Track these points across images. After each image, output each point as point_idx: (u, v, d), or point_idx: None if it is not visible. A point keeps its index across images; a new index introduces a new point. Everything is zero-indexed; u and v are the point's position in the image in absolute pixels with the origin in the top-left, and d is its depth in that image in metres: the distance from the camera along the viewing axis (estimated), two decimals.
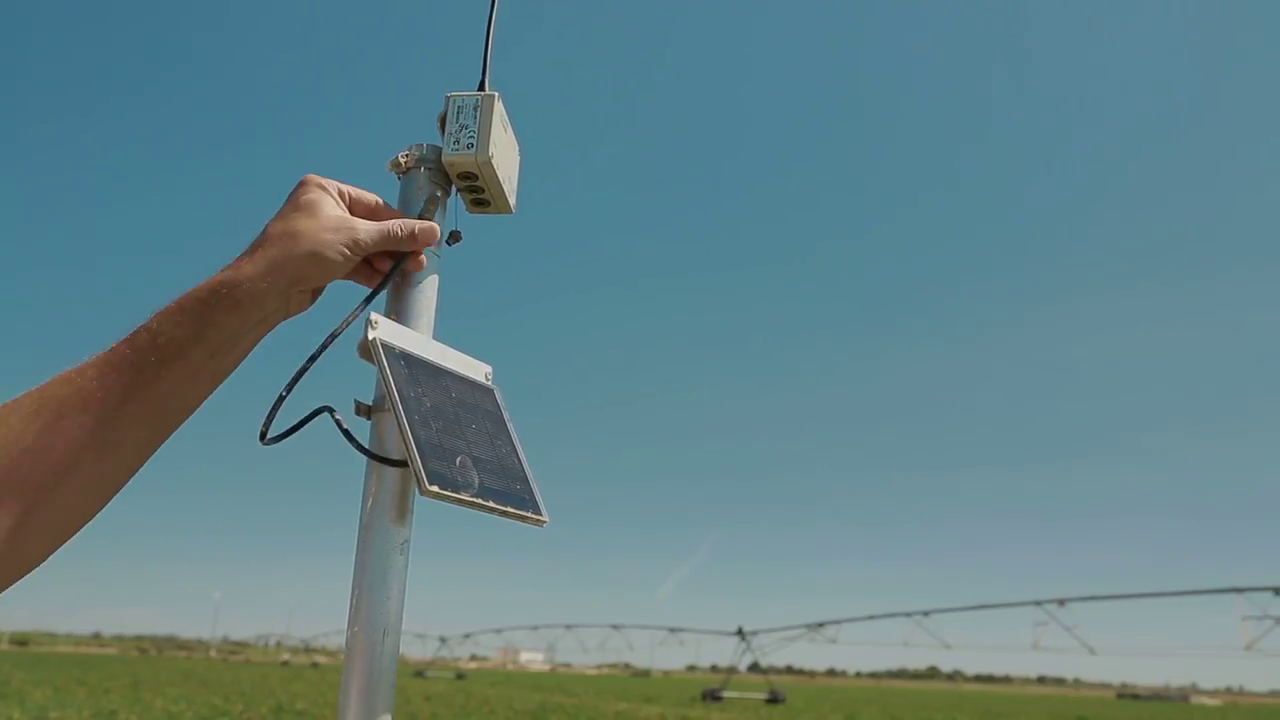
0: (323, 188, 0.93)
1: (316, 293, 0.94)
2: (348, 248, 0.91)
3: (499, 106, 1.01)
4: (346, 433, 0.90)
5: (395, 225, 0.95)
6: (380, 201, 0.97)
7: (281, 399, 0.88)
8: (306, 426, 0.90)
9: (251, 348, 0.88)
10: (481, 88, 1.03)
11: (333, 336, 0.92)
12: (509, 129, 1.05)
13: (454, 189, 1.03)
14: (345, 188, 0.95)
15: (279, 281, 0.87)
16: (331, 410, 0.90)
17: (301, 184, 0.93)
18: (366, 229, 0.93)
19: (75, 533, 0.75)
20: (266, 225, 0.90)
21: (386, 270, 0.97)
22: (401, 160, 1.00)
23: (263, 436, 0.87)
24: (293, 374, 0.89)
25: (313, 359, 0.90)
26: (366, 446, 0.91)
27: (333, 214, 0.92)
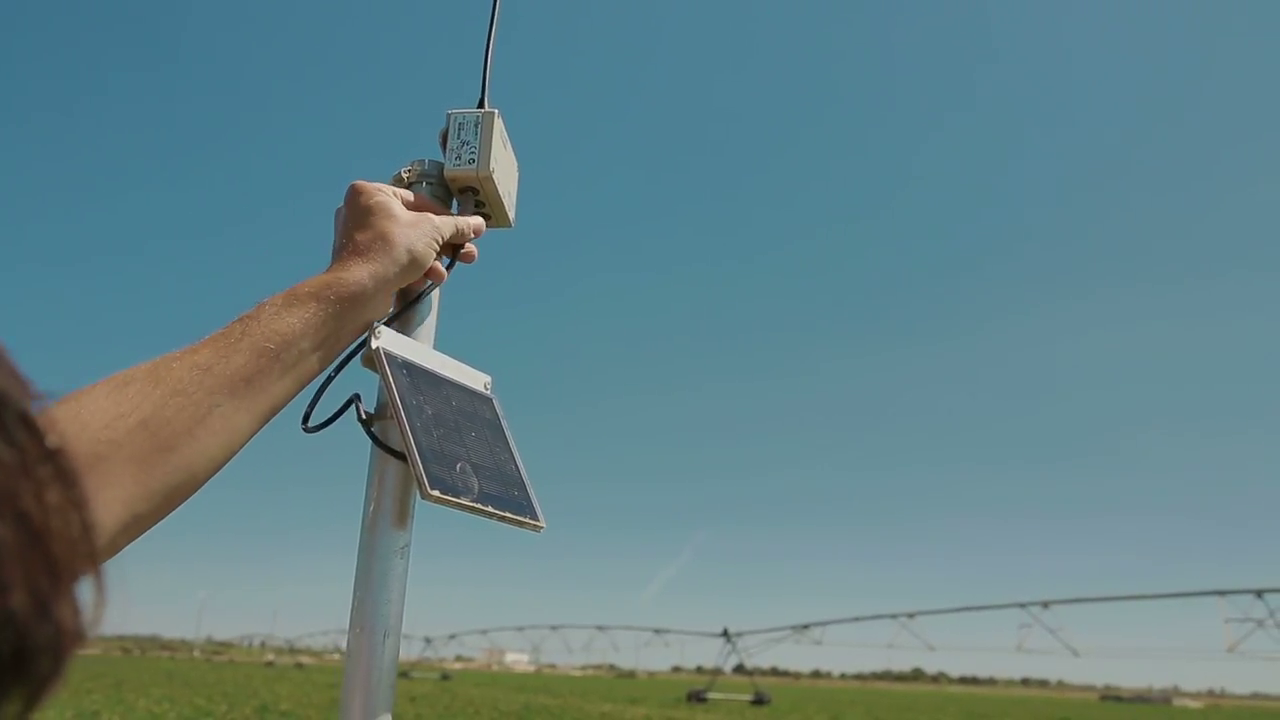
0: (381, 190, 0.96)
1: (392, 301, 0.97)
2: (436, 240, 0.95)
3: (499, 123, 1.04)
4: (364, 422, 0.94)
5: (462, 219, 1.00)
6: (419, 197, 1.01)
7: (330, 379, 0.91)
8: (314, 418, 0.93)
9: (340, 352, 0.90)
10: (481, 105, 1.06)
11: (394, 317, 0.97)
12: (508, 145, 1.08)
13: (455, 203, 1.06)
14: (390, 188, 0.98)
15: (382, 285, 0.90)
16: (359, 398, 0.93)
17: (358, 190, 0.95)
18: (441, 221, 0.97)
19: (177, 507, 0.77)
20: (349, 234, 0.92)
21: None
22: (404, 175, 1.03)
23: (305, 420, 0.91)
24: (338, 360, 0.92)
25: (363, 343, 0.93)
26: (370, 455, 0.95)
27: (406, 212, 0.95)
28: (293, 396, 0.85)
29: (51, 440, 0.29)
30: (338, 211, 0.96)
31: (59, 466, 0.29)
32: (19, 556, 0.26)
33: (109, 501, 0.68)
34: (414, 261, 0.92)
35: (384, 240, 0.91)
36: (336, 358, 0.89)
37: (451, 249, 1.02)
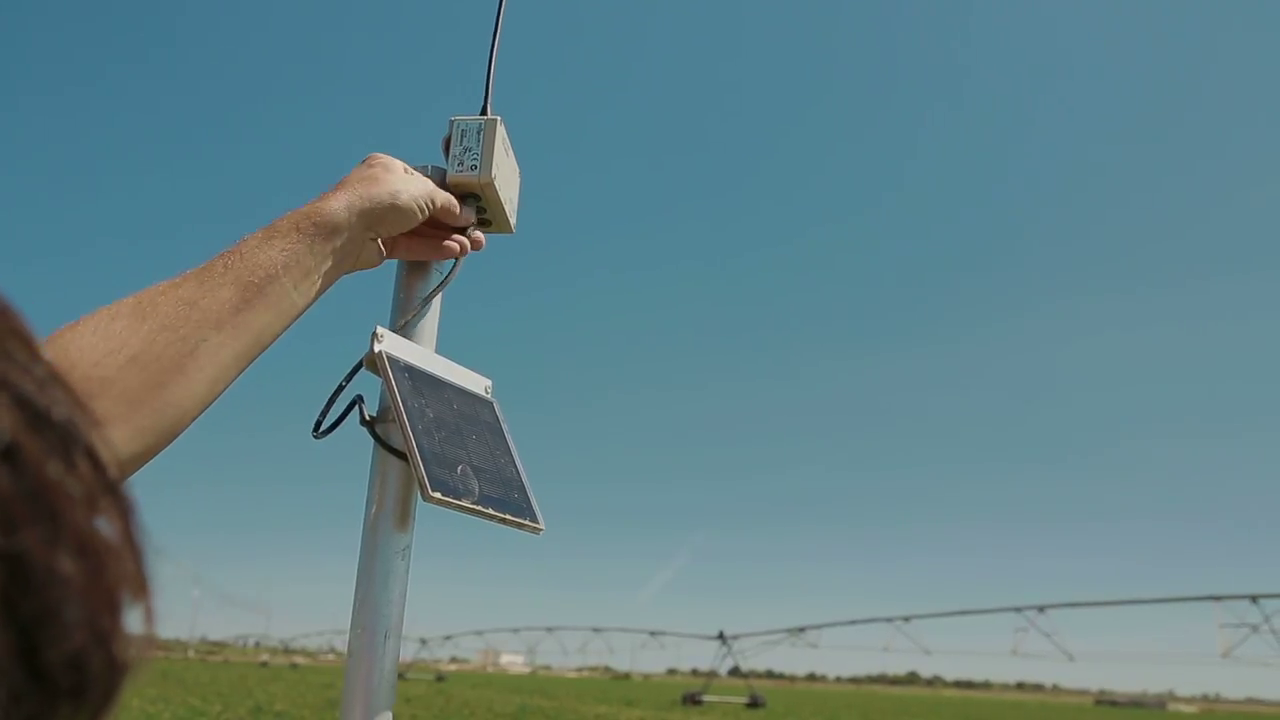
0: (390, 158, 0.98)
1: (382, 254, 0.98)
2: (424, 200, 0.96)
3: (501, 130, 1.05)
4: (367, 424, 0.95)
5: (456, 201, 1.02)
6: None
7: (341, 388, 0.94)
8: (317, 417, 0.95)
9: (323, 291, 0.90)
10: (485, 111, 1.07)
11: (397, 321, 1.00)
12: (510, 152, 1.10)
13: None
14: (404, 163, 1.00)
15: (357, 219, 0.90)
16: (361, 400, 0.95)
17: (371, 156, 0.97)
18: (438, 190, 0.99)
19: (165, 447, 0.77)
20: (344, 178, 0.94)
21: (417, 256, 1.03)
22: None
23: (317, 427, 0.93)
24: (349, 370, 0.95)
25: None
26: (372, 457, 0.96)
27: (407, 173, 0.97)
28: (277, 335, 0.85)
29: (113, 472, 0.29)
30: None
31: (118, 499, 0.29)
32: (84, 593, 0.26)
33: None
34: (396, 206, 0.93)
35: (371, 180, 0.93)
36: (318, 294, 0.89)
37: (448, 233, 1.04)
